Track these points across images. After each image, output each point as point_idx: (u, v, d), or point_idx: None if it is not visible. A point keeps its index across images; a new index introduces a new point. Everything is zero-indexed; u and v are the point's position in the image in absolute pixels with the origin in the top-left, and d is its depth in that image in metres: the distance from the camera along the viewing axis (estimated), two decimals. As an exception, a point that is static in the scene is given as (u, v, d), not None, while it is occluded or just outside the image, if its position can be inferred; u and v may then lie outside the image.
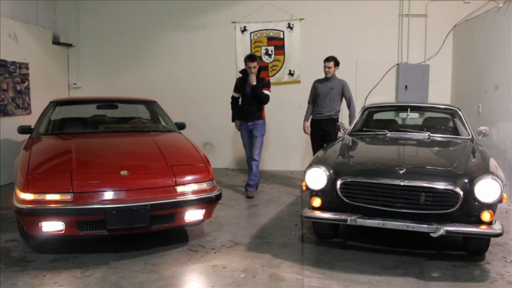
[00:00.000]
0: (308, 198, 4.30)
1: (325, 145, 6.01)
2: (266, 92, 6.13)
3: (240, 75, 6.36)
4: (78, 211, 3.64)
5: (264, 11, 8.08)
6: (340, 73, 6.24)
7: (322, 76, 6.41)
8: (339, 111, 6.38)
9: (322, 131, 6.33)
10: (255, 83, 6.06)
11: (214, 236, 4.55)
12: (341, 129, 5.46)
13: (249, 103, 6.17)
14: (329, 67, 6.23)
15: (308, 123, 6.54)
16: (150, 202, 3.78)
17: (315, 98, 6.43)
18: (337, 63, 6.30)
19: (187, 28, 8.43)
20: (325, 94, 6.29)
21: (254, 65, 6.05)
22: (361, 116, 5.63)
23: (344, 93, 6.32)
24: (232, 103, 6.41)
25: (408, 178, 3.72)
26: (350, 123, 5.95)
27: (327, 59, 6.27)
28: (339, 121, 6.28)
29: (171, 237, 4.39)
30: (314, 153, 5.99)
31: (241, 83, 6.21)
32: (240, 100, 6.33)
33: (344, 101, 6.44)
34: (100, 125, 5.48)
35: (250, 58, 6.14)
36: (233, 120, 6.46)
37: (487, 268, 3.77)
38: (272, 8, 8.04)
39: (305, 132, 6.57)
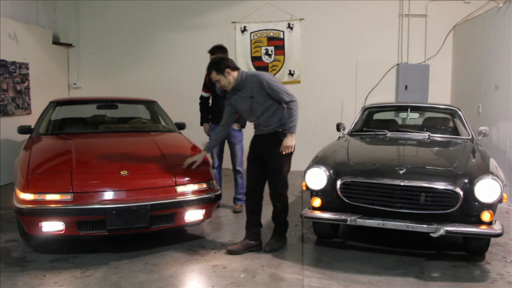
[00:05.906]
0: (308, 198, 4.29)
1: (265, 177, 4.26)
2: None
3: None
4: (78, 211, 3.64)
5: (264, 11, 8.08)
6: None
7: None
8: (283, 118, 4.08)
9: (259, 152, 4.15)
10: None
11: (214, 236, 4.55)
12: (341, 129, 5.42)
13: (223, 102, 4.79)
14: (216, 81, 3.98)
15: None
16: (150, 202, 3.78)
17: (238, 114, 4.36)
18: (220, 69, 3.90)
19: (187, 28, 8.43)
20: (247, 110, 4.06)
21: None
22: (361, 116, 5.63)
23: (266, 91, 3.95)
24: (201, 103, 5.52)
25: (408, 178, 3.72)
26: (287, 128, 4.02)
27: (208, 71, 4.02)
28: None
29: (171, 237, 4.38)
30: (247, 184, 4.29)
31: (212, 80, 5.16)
32: (210, 100, 5.46)
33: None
34: (100, 125, 5.48)
35: (213, 50, 5.19)
36: (201, 123, 5.52)
37: (487, 268, 3.77)
38: (272, 8, 8.04)
39: None
